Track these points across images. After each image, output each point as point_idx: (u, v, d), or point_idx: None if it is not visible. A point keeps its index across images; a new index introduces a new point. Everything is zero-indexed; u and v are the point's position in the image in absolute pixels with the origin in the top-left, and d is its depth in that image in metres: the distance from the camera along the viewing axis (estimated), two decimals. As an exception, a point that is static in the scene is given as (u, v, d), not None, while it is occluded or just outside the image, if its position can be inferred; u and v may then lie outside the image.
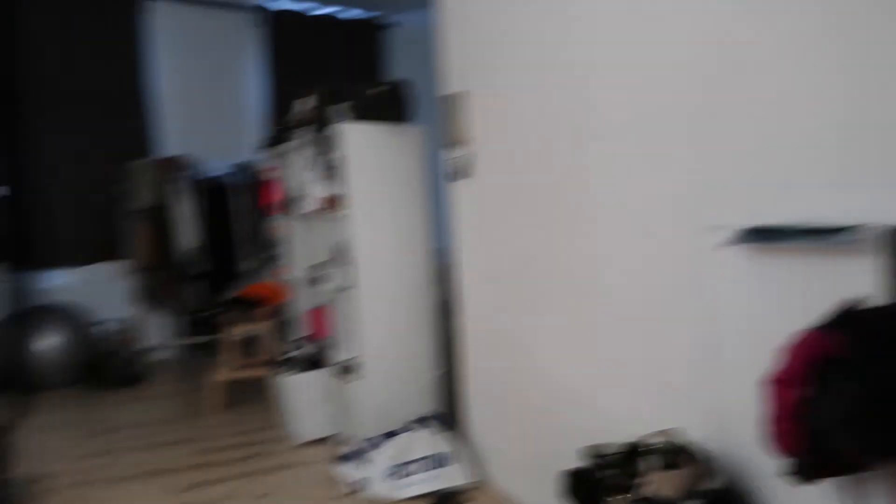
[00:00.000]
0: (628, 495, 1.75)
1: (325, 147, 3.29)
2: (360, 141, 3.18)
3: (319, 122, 3.29)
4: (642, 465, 1.77)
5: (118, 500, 2.80)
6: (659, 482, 1.67)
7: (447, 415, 3.27)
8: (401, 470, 2.79)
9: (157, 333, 5.50)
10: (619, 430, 2.19)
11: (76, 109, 5.25)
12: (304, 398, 3.43)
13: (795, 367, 1.38)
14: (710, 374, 1.84)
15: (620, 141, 2.06)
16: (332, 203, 3.39)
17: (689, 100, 1.85)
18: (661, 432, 1.80)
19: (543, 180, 2.45)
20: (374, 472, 2.78)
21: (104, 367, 4.84)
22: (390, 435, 2.95)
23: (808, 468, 1.37)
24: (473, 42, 2.78)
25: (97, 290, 5.30)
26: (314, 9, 6.19)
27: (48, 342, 4.55)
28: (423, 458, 2.82)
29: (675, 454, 1.71)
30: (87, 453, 3.38)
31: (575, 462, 2.37)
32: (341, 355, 3.49)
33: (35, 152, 5.13)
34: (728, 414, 1.79)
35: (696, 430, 1.88)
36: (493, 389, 2.86)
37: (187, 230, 5.15)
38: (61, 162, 5.20)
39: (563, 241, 2.38)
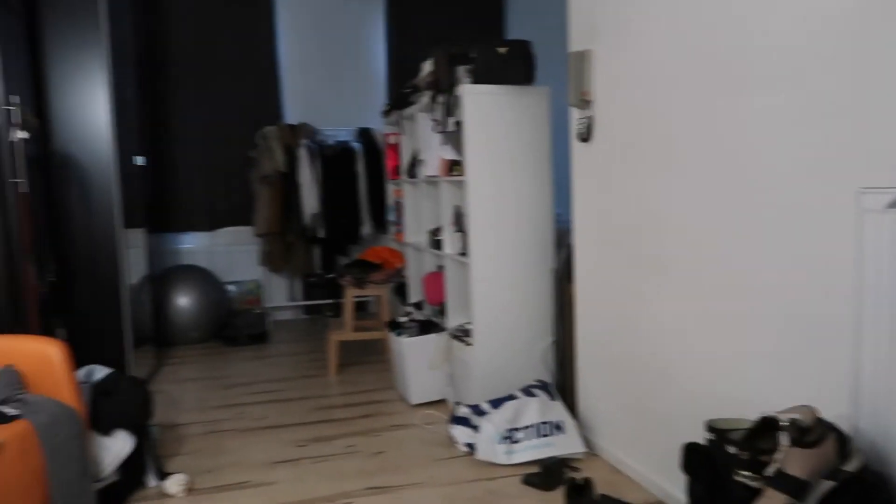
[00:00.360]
0: (755, 474, 1.64)
1: (446, 110, 3.27)
2: (481, 103, 3.14)
3: (443, 84, 3.27)
4: (771, 442, 1.65)
5: (246, 450, 2.98)
6: (789, 461, 1.55)
7: (558, 383, 3.22)
8: (511, 435, 2.77)
9: (281, 295, 5.78)
10: (745, 405, 2.06)
11: (209, 81, 5.56)
12: (418, 361, 3.49)
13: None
14: (850, 348, 1.67)
15: (770, 96, 1.89)
16: (452, 167, 3.38)
17: (850, 51, 1.66)
18: (792, 409, 1.66)
19: (675, 140, 2.30)
20: (484, 436, 2.79)
21: (232, 325, 5.16)
22: (502, 400, 2.93)
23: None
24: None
25: (226, 253, 5.63)
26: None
27: (183, 301, 4.90)
28: (533, 425, 2.79)
29: (808, 432, 1.57)
30: (217, 405, 3.62)
31: (696, 436, 2.26)
32: (456, 320, 3.50)
33: (170, 124, 5.48)
34: (867, 391, 1.62)
35: (830, 407, 1.72)
36: (606, 358, 2.77)
37: (310, 196, 5.34)
38: (194, 132, 5.54)
39: (692, 205, 2.23)
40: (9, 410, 2.06)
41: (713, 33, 2.07)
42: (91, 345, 3.63)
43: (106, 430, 2.45)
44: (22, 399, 2.11)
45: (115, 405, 2.50)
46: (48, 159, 3.56)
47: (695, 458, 2.01)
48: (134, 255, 4.06)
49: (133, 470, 2.55)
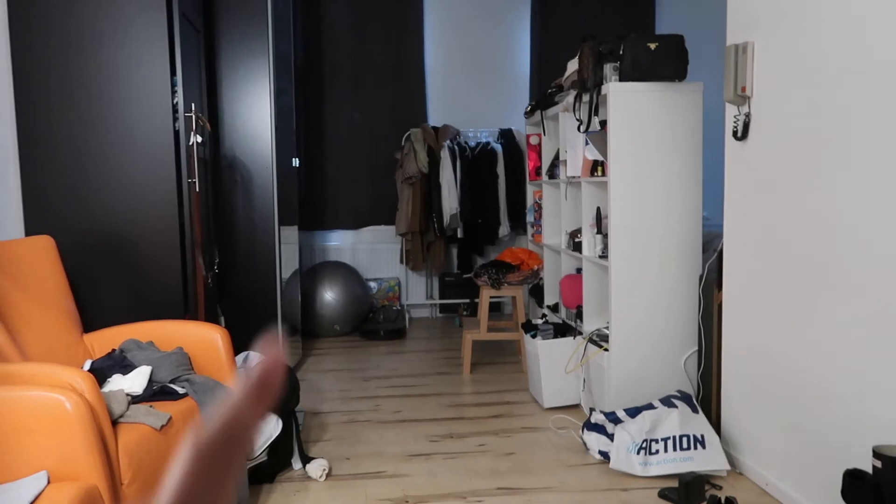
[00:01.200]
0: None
1: (591, 109, 3.21)
2: (628, 102, 3.05)
3: (588, 82, 3.22)
4: (952, 476, 1.46)
5: (382, 441, 3.10)
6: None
7: (700, 396, 3.05)
8: (649, 446, 2.67)
9: (419, 293, 5.95)
10: (920, 433, 1.85)
11: (359, 86, 5.84)
12: (552, 364, 3.45)
13: None
14: None
15: None
16: (594, 168, 3.32)
17: None
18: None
19: (845, 138, 2.11)
20: (620, 444, 2.70)
21: (372, 320, 5.39)
22: (639, 409, 2.83)
23: None
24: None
25: (369, 251, 5.88)
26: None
27: (328, 295, 5.18)
28: (672, 437, 2.67)
29: None
30: (356, 396, 3.79)
31: (859, 462, 2.06)
32: (593, 324, 3.43)
33: (323, 127, 5.82)
34: None
35: None
36: (756, 372, 2.59)
37: (450, 196, 5.46)
38: (344, 134, 5.84)
39: (864, 209, 2.04)
40: (177, 388, 2.28)
41: (891, 20, 1.88)
42: (248, 332, 3.93)
43: (258, 412, 2.64)
44: (189, 379, 2.33)
45: (266, 389, 2.69)
46: (217, 161, 3.91)
47: (858, 487, 1.84)
48: (287, 250, 4.35)
49: (281, 452, 2.73)
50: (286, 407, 2.74)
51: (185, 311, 3.02)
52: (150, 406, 2.11)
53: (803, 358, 2.31)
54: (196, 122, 3.24)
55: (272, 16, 3.92)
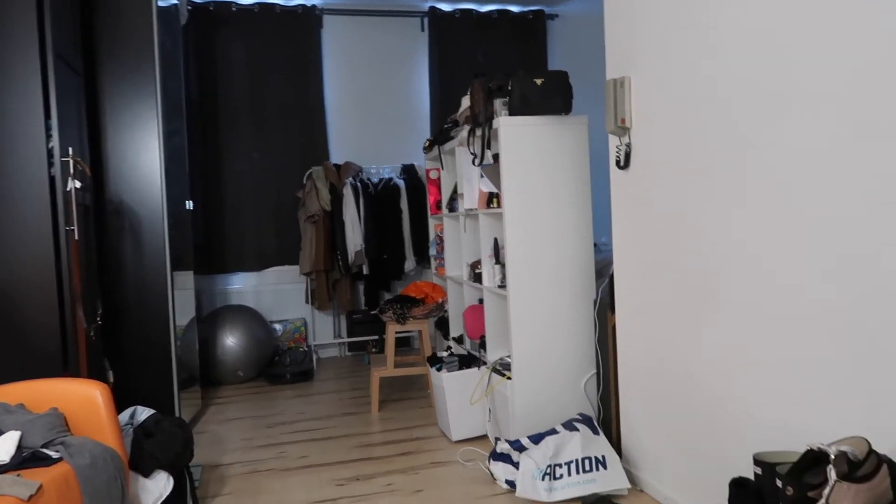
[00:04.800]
0: (803, 511, 1.53)
1: (484, 143, 3.28)
2: (518, 135, 3.14)
3: (480, 117, 3.29)
4: (820, 476, 1.55)
5: (285, 490, 2.98)
6: (837, 497, 1.44)
7: (600, 417, 3.12)
8: (553, 471, 2.69)
9: (326, 332, 5.83)
10: (793, 438, 1.95)
11: (258, 125, 5.74)
12: (458, 396, 3.44)
13: None
14: (904, 373, 1.57)
15: (816, 117, 1.82)
16: (490, 200, 3.38)
17: (887, 65, 1.60)
18: (843, 440, 1.56)
19: (717, 165, 2.24)
20: (525, 472, 2.71)
21: (278, 363, 5.22)
22: (543, 435, 2.85)
23: None
24: (641, 23, 2.62)
25: (273, 292, 5.73)
26: (477, 7, 6.20)
27: (230, 340, 4.98)
28: (575, 461, 2.70)
29: (859, 466, 1.47)
30: (260, 444, 3.64)
31: (742, 471, 2.15)
32: (496, 354, 3.46)
33: (220, 167, 5.66)
34: (929, 421, 1.51)
35: (884, 439, 1.61)
36: (651, 390, 2.67)
37: (354, 233, 5.41)
38: (243, 174, 5.70)
39: (737, 230, 2.16)
40: (50, 453, 2.11)
41: (755, 59, 2.02)
42: (140, 386, 3.72)
43: (147, 472, 2.48)
44: (64, 441, 2.17)
45: (156, 446, 2.54)
46: (102, 207, 3.72)
47: (742, 495, 1.91)
48: (183, 296, 4.17)
49: (174, 510, 2.57)
50: (178, 463, 2.59)
51: (64, 368, 2.82)
52: (18, 475, 1.94)
53: (690, 374, 2.41)
54: (75, 166, 3.08)
55: (159, 56, 3.80)
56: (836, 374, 1.77)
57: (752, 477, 1.93)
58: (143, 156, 3.79)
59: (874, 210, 1.64)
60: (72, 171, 3.04)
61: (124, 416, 2.71)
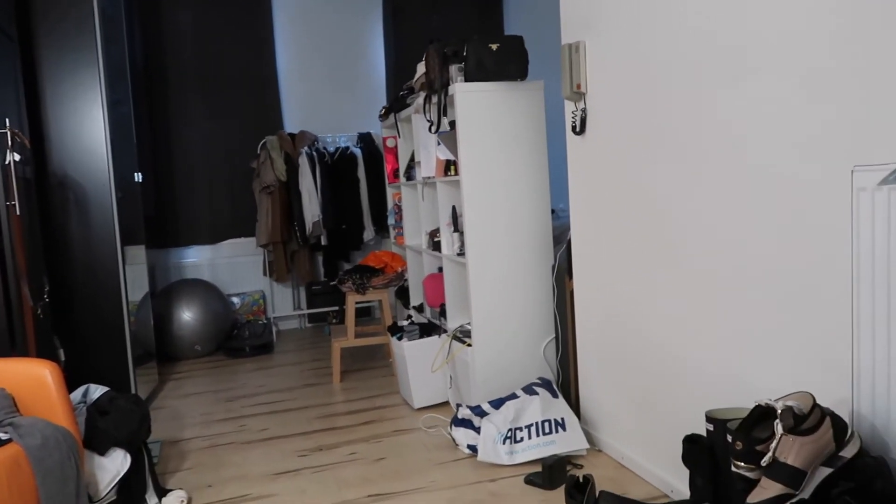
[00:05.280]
0: (752, 464, 1.59)
1: (440, 110, 3.24)
2: (474, 101, 3.10)
3: (435, 84, 3.24)
4: (768, 430, 1.60)
5: (247, 463, 2.96)
6: (784, 450, 1.50)
7: (559, 380, 3.17)
8: (513, 435, 2.73)
9: (285, 304, 5.78)
10: (743, 395, 2.01)
11: (208, 93, 5.57)
12: (419, 365, 3.46)
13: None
14: (846, 333, 1.62)
15: (764, 79, 1.84)
16: (448, 168, 3.35)
17: (843, 33, 1.62)
18: (789, 395, 1.61)
19: (671, 129, 2.25)
20: (486, 437, 2.75)
21: (236, 337, 5.16)
22: (503, 400, 2.89)
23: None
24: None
25: (229, 265, 5.63)
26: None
27: (186, 315, 4.90)
28: (535, 424, 2.75)
29: (804, 420, 1.52)
30: (220, 418, 3.61)
31: (695, 428, 2.21)
32: (456, 321, 3.47)
33: (170, 138, 5.49)
34: (865, 374, 1.57)
35: (832, 392, 1.67)
36: (607, 352, 2.72)
37: (311, 203, 5.33)
38: (194, 145, 5.55)
39: (689, 193, 2.19)
40: (0, 434, 2.05)
41: (707, 20, 2.03)
42: (93, 364, 3.63)
43: (102, 450, 2.43)
44: (13, 423, 2.11)
45: (111, 424, 2.49)
46: (45, 181, 3.58)
47: (695, 451, 1.97)
48: (136, 271, 4.06)
49: (133, 489, 2.53)
50: (135, 439, 2.54)
51: (11, 348, 2.73)
52: (-35, 457, 1.88)
53: (646, 335, 2.46)
54: (13, 138, 2.95)
55: (100, 22, 3.64)
56: (783, 334, 1.83)
57: (704, 433, 1.99)
58: (86, 126, 3.65)
59: (825, 172, 1.67)
60: (10, 143, 2.91)
61: (77, 394, 2.65)
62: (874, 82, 1.51)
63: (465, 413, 2.95)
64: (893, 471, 1.50)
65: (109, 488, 2.41)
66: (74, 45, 3.59)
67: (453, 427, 2.96)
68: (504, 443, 2.72)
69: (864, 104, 1.55)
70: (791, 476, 1.47)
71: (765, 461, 1.53)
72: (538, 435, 2.73)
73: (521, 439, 2.73)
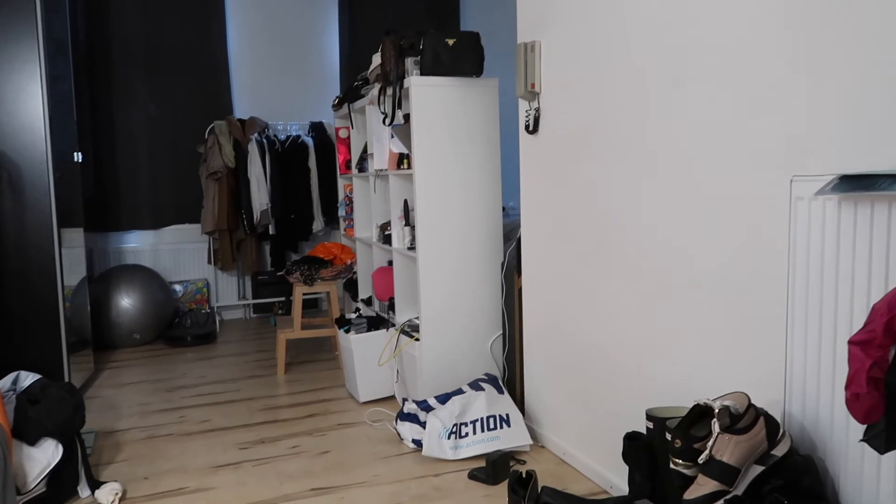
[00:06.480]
0: (689, 462, 1.64)
1: (394, 103, 3.22)
2: (429, 96, 3.09)
3: (391, 76, 3.21)
4: (705, 429, 1.65)
5: (185, 455, 2.89)
6: (720, 448, 1.55)
7: (505, 377, 3.21)
8: (458, 430, 2.75)
9: (230, 294, 5.66)
10: (682, 395, 2.07)
11: (155, 74, 5.38)
12: (366, 358, 3.44)
13: (879, 328, 1.22)
14: (780, 334, 1.68)
15: (709, 87, 1.89)
16: (401, 161, 3.33)
17: (782, 44, 1.67)
18: (726, 395, 1.67)
19: (619, 131, 2.29)
20: (431, 431, 2.76)
21: (178, 326, 5.03)
22: (449, 395, 2.91)
23: (887, 435, 1.22)
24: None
25: (172, 252, 5.48)
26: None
27: (125, 302, 4.74)
28: (480, 419, 2.77)
29: (739, 419, 1.58)
30: (158, 409, 3.51)
31: (636, 426, 2.27)
32: (405, 316, 3.46)
33: (114, 118, 5.30)
34: (796, 376, 1.63)
35: (767, 393, 1.74)
36: (552, 350, 2.76)
37: (260, 191, 5.23)
38: (139, 126, 5.36)
39: (635, 195, 2.23)
40: (-80, 421, 1.95)
41: (655, 26, 2.07)
42: (24, 350, 3.48)
43: (32, 440, 2.34)
44: (-64, 409, 2.00)
45: (42, 413, 2.39)
46: (-25, 157, 3.41)
47: (635, 448, 2.01)
48: (73, 254, 3.91)
49: (64, 480, 2.44)
50: (68, 429, 2.45)
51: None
52: None
53: (591, 334, 2.50)
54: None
55: (40, -9, 3.48)
56: (721, 336, 1.89)
57: (644, 431, 2.04)
58: (23, 101, 3.49)
59: (765, 181, 1.73)
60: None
61: (6, 382, 2.54)
62: (815, 94, 1.57)
63: (410, 407, 2.95)
64: (820, 469, 1.57)
65: (39, 480, 2.32)
66: (12, 15, 3.42)
67: (399, 421, 2.95)
68: (449, 438, 2.73)
69: (801, 116, 1.61)
70: (726, 473, 1.53)
71: (702, 459, 1.58)
72: (483, 430, 2.75)
73: (466, 434, 2.75)
